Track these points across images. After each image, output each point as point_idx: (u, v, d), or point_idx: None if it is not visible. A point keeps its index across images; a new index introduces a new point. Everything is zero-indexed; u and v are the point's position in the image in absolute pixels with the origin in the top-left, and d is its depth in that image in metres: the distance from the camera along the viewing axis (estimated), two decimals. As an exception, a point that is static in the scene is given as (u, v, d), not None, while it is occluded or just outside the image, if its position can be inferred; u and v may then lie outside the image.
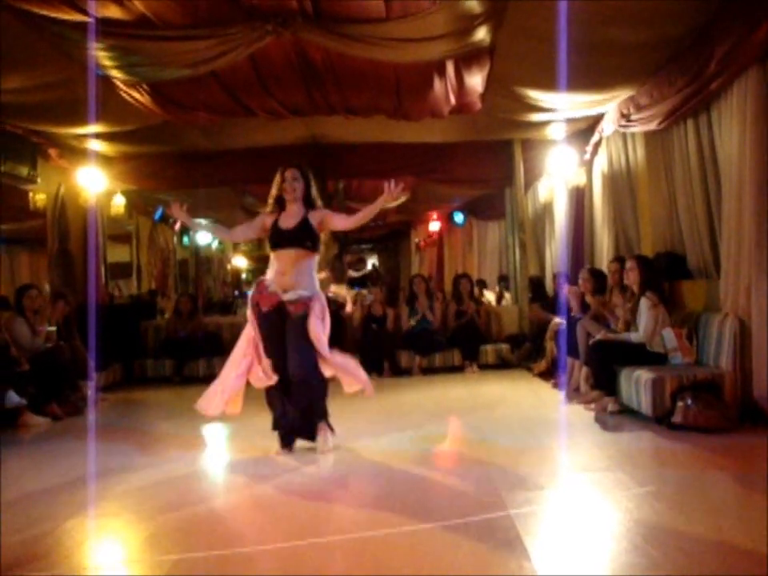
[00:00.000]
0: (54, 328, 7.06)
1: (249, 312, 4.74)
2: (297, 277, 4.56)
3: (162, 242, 13.65)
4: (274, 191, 4.75)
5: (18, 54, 5.30)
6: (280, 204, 4.75)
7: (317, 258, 4.75)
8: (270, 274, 4.68)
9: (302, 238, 4.60)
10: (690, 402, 4.87)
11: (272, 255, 4.70)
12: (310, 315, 4.51)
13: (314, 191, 4.80)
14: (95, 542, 3.25)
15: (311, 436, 4.68)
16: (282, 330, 4.57)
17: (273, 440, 4.74)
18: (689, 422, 4.84)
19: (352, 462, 4.46)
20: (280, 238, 4.64)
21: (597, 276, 7.02)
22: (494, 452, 4.62)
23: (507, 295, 10.78)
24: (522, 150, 9.42)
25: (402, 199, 4.89)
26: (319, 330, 4.55)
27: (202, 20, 5.07)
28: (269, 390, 4.78)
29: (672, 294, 6.29)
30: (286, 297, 4.53)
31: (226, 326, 9.72)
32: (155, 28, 5.05)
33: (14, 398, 5.99)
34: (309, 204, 4.74)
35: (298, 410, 4.63)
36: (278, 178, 4.73)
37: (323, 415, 4.72)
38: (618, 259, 6.88)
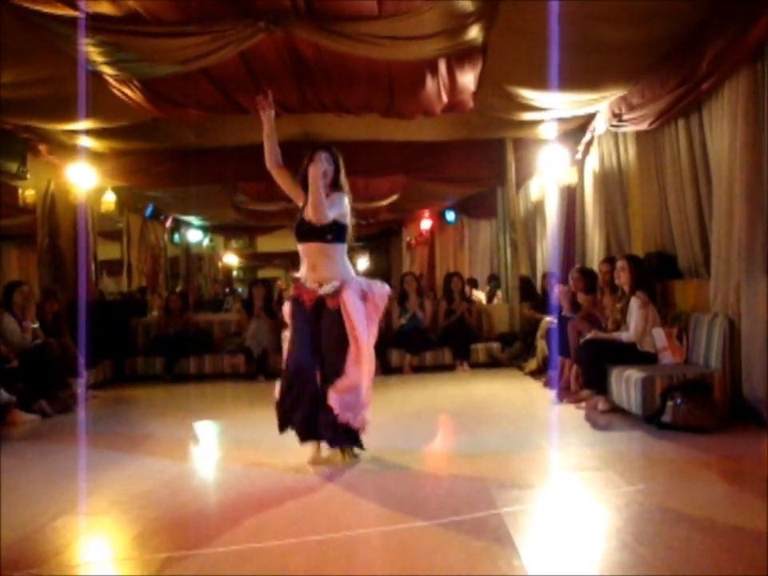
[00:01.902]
0: (36, 324, 7.02)
1: (287, 309, 4.47)
2: (328, 269, 4.27)
3: (152, 239, 13.60)
4: (301, 177, 4.38)
5: (8, 49, 5.26)
6: (305, 187, 4.32)
7: (343, 246, 4.36)
8: (302, 268, 4.40)
9: (323, 230, 4.23)
10: (679, 401, 4.88)
11: (299, 247, 4.39)
12: (345, 296, 4.22)
13: (343, 177, 4.44)
14: (84, 539, 3.23)
15: (331, 439, 4.35)
16: (316, 325, 4.32)
17: (263, 436, 4.72)
18: (678, 421, 4.85)
19: (342, 460, 4.44)
20: (304, 231, 4.31)
21: (587, 275, 7.05)
22: (484, 450, 4.63)
23: (499, 293, 10.79)
24: (513, 149, 9.44)
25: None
26: (357, 310, 4.24)
27: (194, 16, 5.05)
28: (289, 382, 4.38)
29: (662, 294, 6.31)
30: (323, 290, 4.25)
31: (217, 323, 9.73)
32: (146, 24, 5.03)
33: (2, 394, 5.96)
34: (343, 189, 4.40)
35: (321, 408, 4.28)
36: (306, 162, 4.33)
37: (350, 432, 4.35)
38: (609, 260, 6.90)
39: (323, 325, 4.31)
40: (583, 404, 5.86)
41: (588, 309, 6.79)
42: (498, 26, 5.24)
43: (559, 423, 5.51)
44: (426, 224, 16.22)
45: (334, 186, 4.39)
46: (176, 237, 15.22)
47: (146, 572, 2.76)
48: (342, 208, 4.31)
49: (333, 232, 4.26)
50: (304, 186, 4.31)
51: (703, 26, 5.01)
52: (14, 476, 4.28)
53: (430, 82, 6.33)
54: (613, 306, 6.35)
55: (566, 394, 6.36)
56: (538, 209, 10.47)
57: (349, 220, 4.37)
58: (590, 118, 7.65)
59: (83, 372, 7.27)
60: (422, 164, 9.59)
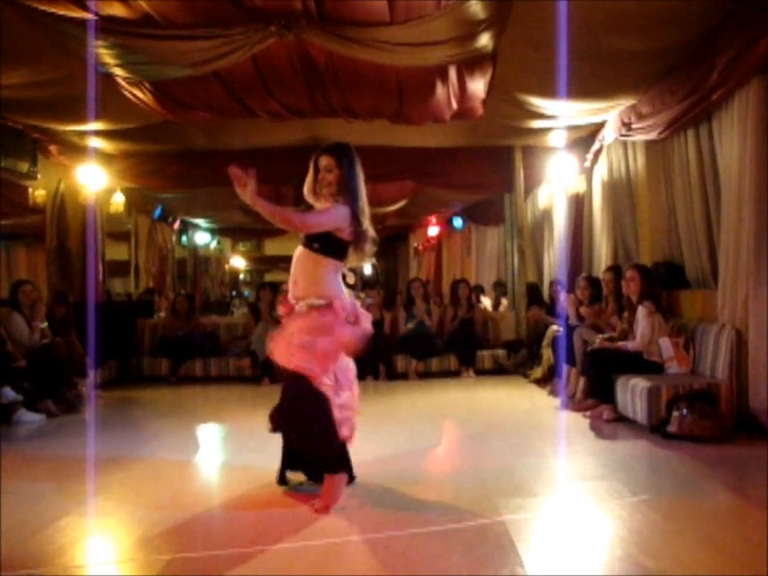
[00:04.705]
0: (45, 324, 7.04)
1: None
2: (307, 285, 3.67)
3: (160, 241, 13.64)
4: (308, 183, 3.84)
5: (20, 49, 5.30)
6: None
7: (333, 262, 3.71)
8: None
9: (309, 237, 3.71)
10: (685, 411, 4.88)
11: None
12: (327, 327, 3.64)
13: (352, 182, 3.73)
14: (88, 540, 3.24)
15: (306, 470, 3.92)
16: None
17: (267, 439, 4.71)
18: (684, 431, 4.84)
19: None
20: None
21: (594, 284, 7.04)
22: (488, 458, 4.62)
23: (504, 301, 10.77)
24: (522, 157, 9.44)
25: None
26: (302, 341, 3.59)
27: (206, 20, 5.06)
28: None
29: (669, 304, 6.30)
30: (297, 307, 3.72)
31: (223, 326, 9.74)
32: (159, 27, 5.05)
33: (9, 393, 5.98)
34: (348, 198, 3.69)
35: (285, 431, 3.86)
36: (311, 167, 3.82)
37: (328, 462, 3.72)
38: (613, 268, 6.89)
39: None
40: (588, 413, 5.85)
41: (592, 319, 6.78)
42: (508, 34, 5.25)
43: (564, 432, 5.50)
44: (433, 230, 16.23)
45: (339, 192, 3.73)
46: (184, 239, 15.27)
47: (149, 573, 2.77)
48: (330, 220, 3.65)
49: (320, 241, 3.66)
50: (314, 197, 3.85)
51: (713, 36, 5.01)
52: (19, 475, 4.30)
53: (439, 89, 6.34)
54: (616, 315, 6.36)
55: (572, 402, 6.35)
56: (545, 216, 10.47)
57: (345, 234, 3.68)
58: (600, 126, 7.64)
59: (90, 372, 7.28)
60: (430, 170, 9.59)
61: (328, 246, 3.68)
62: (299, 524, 3.31)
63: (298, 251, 3.78)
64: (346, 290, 3.82)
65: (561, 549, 2.97)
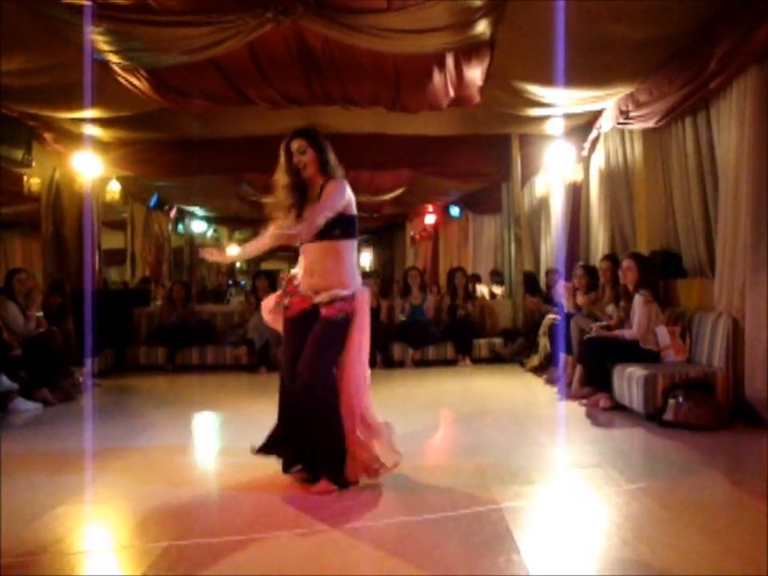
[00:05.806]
0: (41, 313, 7.03)
1: (274, 312, 3.94)
2: (329, 276, 3.65)
3: (156, 229, 13.61)
4: (281, 173, 3.80)
5: (14, 36, 5.25)
6: (300, 188, 3.77)
7: (353, 243, 3.74)
8: (299, 271, 3.81)
9: (329, 224, 3.61)
10: (681, 399, 4.89)
11: (300, 248, 3.78)
12: (353, 323, 3.67)
13: (332, 158, 3.80)
14: (85, 528, 3.24)
15: (310, 469, 3.73)
16: (301, 338, 3.67)
17: (264, 427, 4.72)
18: (680, 419, 4.86)
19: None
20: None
21: (590, 272, 7.04)
22: (485, 446, 4.63)
23: (497, 290, 10.78)
24: (519, 145, 9.41)
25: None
26: (359, 341, 3.71)
27: (202, 6, 5.03)
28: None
29: (666, 292, 6.31)
30: (318, 299, 3.65)
31: (219, 314, 9.74)
32: (154, 13, 5.01)
33: (5, 382, 5.97)
34: (327, 175, 3.74)
35: (297, 430, 3.75)
36: (282, 155, 3.80)
37: (330, 465, 3.63)
38: (609, 257, 6.89)
39: (314, 329, 3.64)
40: (585, 401, 5.86)
41: (588, 307, 6.79)
42: (506, 21, 5.22)
43: (561, 420, 5.51)
44: (430, 219, 16.19)
45: (322, 171, 3.75)
46: (180, 227, 15.24)
47: (146, 560, 2.77)
48: (342, 196, 3.65)
49: (340, 225, 3.64)
50: (299, 187, 3.77)
51: (712, 25, 5.00)
52: (16, 464, 4.30)
53: (437, 76, 6.31)
54: (613, 304, 6.36)
55: (568, 390, 6.36)
56: (543, 205, 10.46)
57: (354, 209, 3.73)
58: (597, 114, 7.63)
59: (86, 361, 7.27)
60: (427, 158, 9.57)
61: (346, 227, 3.67)
62: (296, 511, 3.31)
63: (313, 245, 3.68)
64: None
65: (557, 536, 2.97)
